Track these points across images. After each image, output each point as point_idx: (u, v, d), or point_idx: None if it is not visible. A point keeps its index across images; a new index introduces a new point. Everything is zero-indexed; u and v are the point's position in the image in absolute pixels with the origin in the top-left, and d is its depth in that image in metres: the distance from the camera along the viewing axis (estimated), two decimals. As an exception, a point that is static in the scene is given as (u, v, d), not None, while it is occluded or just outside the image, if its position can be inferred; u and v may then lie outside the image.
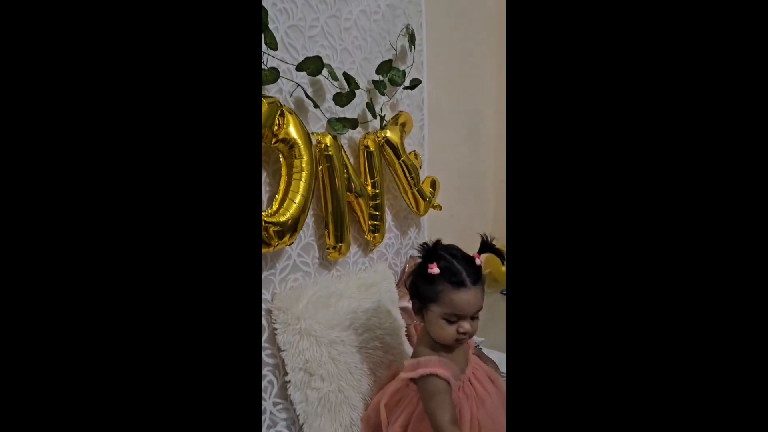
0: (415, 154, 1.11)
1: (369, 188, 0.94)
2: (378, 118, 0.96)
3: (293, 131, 0.71)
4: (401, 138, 1.00)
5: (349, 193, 0.88)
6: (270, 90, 0.73)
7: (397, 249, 1.14)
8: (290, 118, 0.72)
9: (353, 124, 0.85)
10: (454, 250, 0.68)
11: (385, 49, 1.03)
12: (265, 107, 0.67)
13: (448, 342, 0.65)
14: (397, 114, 1.03)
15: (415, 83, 1.03)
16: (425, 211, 1.11)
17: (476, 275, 0.65)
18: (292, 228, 0.70)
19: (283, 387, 0.74)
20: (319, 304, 0.77)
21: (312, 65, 0.73)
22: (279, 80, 0.72)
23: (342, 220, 0.85)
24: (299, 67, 0.73)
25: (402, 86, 1.02)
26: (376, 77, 0.96)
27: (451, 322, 0.64)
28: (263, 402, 0.73)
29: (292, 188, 0.71)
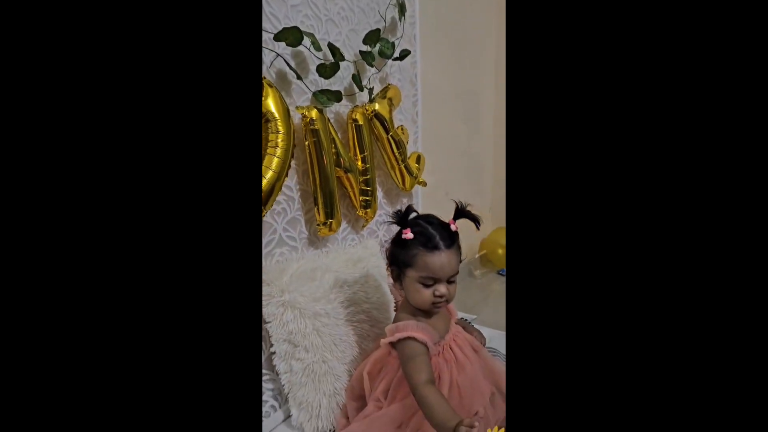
0: (402, 129, 1.09)
1: (359, 163, 0.93)
2: (366, 90, 0.94)
3: (270, 104, 0.70)
4: (390, 112, 0.98)
5: (338, 169, 0.88)
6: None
7: (388, 227, 1.14)
8: (269, 91, 0.71)
9: (337, 96, 0.84)
10: (429, 218, 0.68)
11: (374, 20, 1.01)
12: None
13: (425, 306, 0.65)
14: (386, 87, 1.01)
15: (404, 53, 1.01)
16: (411, 187, 1.11)
17: (451, 239, 0.65)
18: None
19: (269, 358, 0.75)
20: (304, 277, 0.78)
21: (291, 35, 0.71)
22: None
23: (332, 196, 0.84)
24: (277, 37, 0.71)
25: (391, 58, 1.00)
26: (364, 48, 0.94)
27: (427, 286, 0.64)
28: (249, 372, 0.75)
29: (264, 163, 0.70)
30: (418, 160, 1.15)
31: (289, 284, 0.75)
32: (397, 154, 1.01)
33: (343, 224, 0.98)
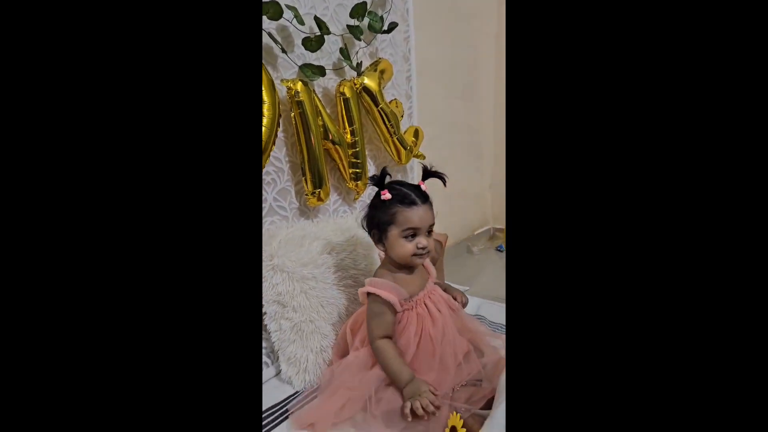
0: (396, 103, 1.12)
1: (348, 136, 0.96)
2: (354, 64, 0.96)
3: None
4: (379, 85, 1.00)
5: (326, 141, 0.91)
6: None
7: (382, 200, 1.17)
8: (254, 62, 0.74)
9: (321, 71, 0.87)
10: (400, 182, 0.75)
11: (362, -7, 1.02)
12: None
13: (408, 259, 0.70)
14: (377, 61, 1.03)
15: (392, 26, 1.02)
16: (407, 161, 1.13)
17: (423, 196, 0.71)
18: None
19: (267, 318, 0.81)
20: (292, 243, 0.82)
21: (271, 9, 0.74)
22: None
23: (318, 166, 0.88)
24: (259, 10, 0.74)
25: (380, 31, 1.02)
26: (352, 22, 0.96)
27: (408, 239, 0.69)
28: (243, 331, 0.80)
29: None
30: (416, 134, 1.17)
31: (278, 249, 0.80)
32: (388, 126, 1.04)
33: (335, 196, 1.02)
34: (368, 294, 0.71)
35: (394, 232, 0.70)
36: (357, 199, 1.07)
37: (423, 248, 0.70)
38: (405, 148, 1.08)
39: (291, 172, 0.91)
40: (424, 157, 1.20)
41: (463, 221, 1.85)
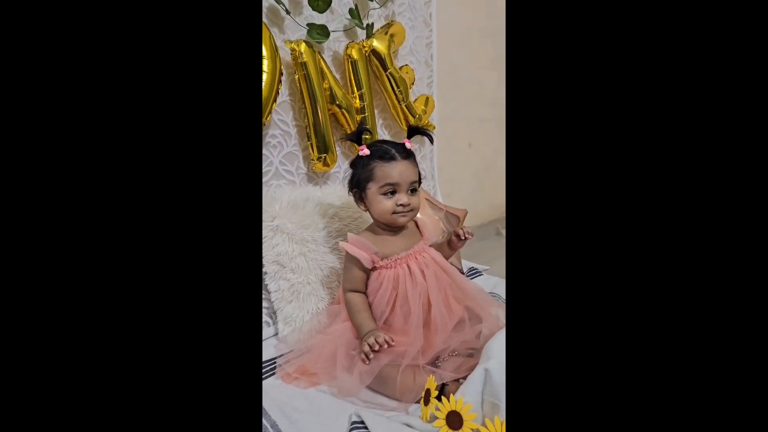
0: (407, 69, 1.09)
1: (356, 101, 0.95)
2: (364, 26, 0.95)
3: None
4: (389, 49, 0.98)
5: (332, 105, 0.91)
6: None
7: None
8: (255, 20, 0.75)
9: (326, 31, 0.86)
10: (383, 140, 0.73)
11: (375, -47, 1.00)
12: None
13: (387, 216, 0.69)
14: (388, 23, 1.01)
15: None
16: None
17: (406, 152, 0.69)
18: None
19: (263, 280, 0.83)
20: (294, 206, 0.83)
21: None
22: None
23: (323, 131, 0.88)
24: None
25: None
26: (361, -16, 0.94)
27: (388, 196, 0.68)
28: (245, 290, 0.83)
29: None
30: (426, 102, 1.14)
31: (279, 211, 0.82)
32: (396, 92, 1.02)
33: (345, 163, 1.02)
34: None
35: (372, 189, 0.68)
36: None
37: (403, 205, 0.67)
38: (413, 116, 1.06)
39: (299, 137, 0.92)
40: (433, 128, 1.16)
41: (491, 201, 1.79)
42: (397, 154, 0.68)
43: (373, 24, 0.97)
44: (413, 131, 0.72)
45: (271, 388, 0.67)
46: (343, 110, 0.93)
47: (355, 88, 0.95)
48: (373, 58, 0.96)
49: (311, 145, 0.90)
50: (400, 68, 1.07)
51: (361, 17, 0.94)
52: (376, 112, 1.05)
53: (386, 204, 0.68)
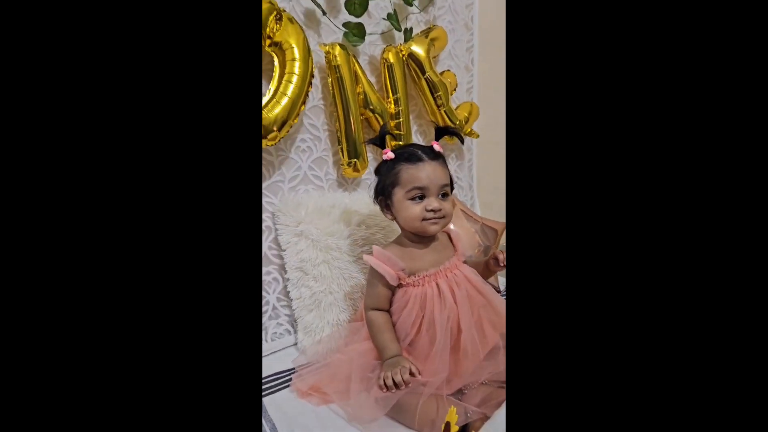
0: (448, 74, 1.05)
1: (391, 106, 0.93)
2: (402, 31, 0.92)
3: (288, 35, 0.74)
4: (428, 53, 0.95)
5: (365, 110, 0.89)
6: (275, -2, 0.76)
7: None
8: (287, 23, 0.75)
9: (362, 32, 0.84)
10: (410, 143, 0.72)
11: (417, -45, 0.97)
12: (263, 8, 0.70)
13: (417, 224, 0.63)
14: (429, 28, 0.98)
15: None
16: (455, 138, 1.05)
17: (433, 153, 0.64)
18: (277, 125, 0.74)
19: (286, 287, 0.82)
20: (320, 211, 0.82)
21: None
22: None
23: (354, 135, 0.86)
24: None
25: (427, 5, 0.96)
26: (404, -14, 0.92)
27: (416, 201, 0.63)
28: (268, 296, 0.82)
29: (281, 90, 0.75)
30: (470, 110, 1.09)
31: (305, 216, 0.80)
32: (435, 97, 0.98)
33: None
34: None
35: (399, 195, 0.64)
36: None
37: (434, 210, 0.62)
38: (454, 123, 1.01)
39: (329, 142, 0.91)
40: (477, 136, 1.11)
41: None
42: (424, 155, 0.63)
43: (411, 28, 0.95)
44: (441, 132, 0.68)
45: (283, 401, 0.65)
46: (377, 115, 0.90)
47: (390, 93, 0.93)
48: (410, 61, 0.94)
49: (342, 149, 0.88)
50: (441, 73, 1.03)
51: (400, 21, 0.92)
52: (411, 117, 1.02)
53: (414, 210, 0.63)
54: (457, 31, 1.11)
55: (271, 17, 0.72)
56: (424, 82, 0.96)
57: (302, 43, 0.76)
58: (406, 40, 0.93)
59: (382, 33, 0.94)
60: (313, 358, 0.71)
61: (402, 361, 0.59)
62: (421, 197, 0.63)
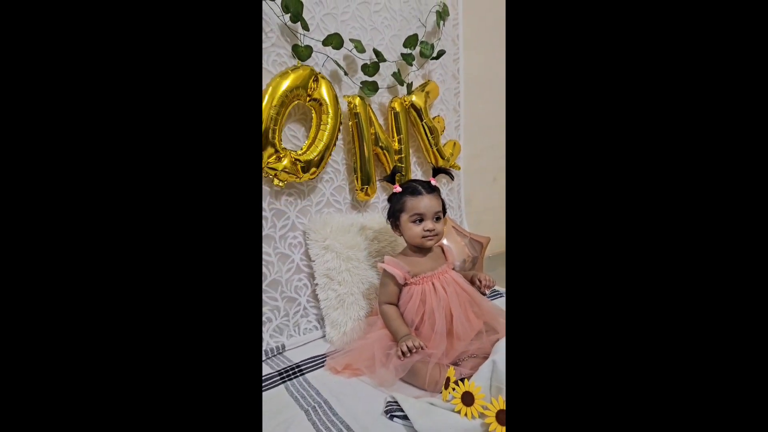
0: (439, 119, 1.32)
1: (396, 144, 1.19)
2: (405, 85, 1.19)
3: (323, 93, 1.00)
4: (425, 103, 1.22)
5: (376, 147, 1.14)
6: (308, 62, 1.02)
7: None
8: (323, 83, 1.00)
9: (375, 87, 1.11)
10: (413, 179, 0.97)
11: (415, 26, 1.25)
12: (303, 72, 0.96)
13: (417, 240, 0.90)
14: (425, 83, 1.26)
15: (440, 53, 1.24)
16: (448, 168, 1.32)
17: (430, 188, 0.92)
18: (315, 164, 1.00)
19: (314, 290, 1.04)
20: (342, 229, 1.05)
21: (334, 40, 1.00)
22: (314, 55, 1.00)
23: (367, 167, 1.11)
24: (324, 43, 1.00)
25: (430, 57, 1.24)
26: (405, 51, 1.20)
27: (417, 223, 0.90)
28: (300, 298, 1.04)
29: (318, 137, 1.00)
30: (454, 147, 1.37)
31: (329, 234, 1.03)
32: (430, 138, 1.25)
33: (383, 194, 1.24)
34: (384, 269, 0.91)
35: (404, 218, 0.91)
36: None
37: (429, 230, 0.89)
38: (443, 158, 1.28)
39: (346, 173, 1.15)
40: (458, 168, 1.38)
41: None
42: (423, 190, 0.90)
43: (412, 83, 1.22)
44: (437, 171, 0.96)
45: (322, 377, 0.86)
46: (384, 150, 1.16)
47: (395, 133, 1.19)
48: (412, 110, 1.20)
49: (357, 177, 1.13)
50: (434, 118, 1.30)
51: (402, 77, 1.19)
52: (411, 152, 1.28)
53: (416, 230, 0.90)
54: (446, 81, 1.39)
55: (311, 80, 0.97)
56: (421, 127, 1.23)
57: (332, 99, 1.01)
58: (408, 93, 1.20)
59: (389, 87, 1.20)
60: (340, 346, 0.94)
61: (412, 337, 0.83)
62: (421, 220, 0.90)
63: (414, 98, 1.20)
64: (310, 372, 0.89)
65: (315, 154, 0.99)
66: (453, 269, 0.95)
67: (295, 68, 0.96)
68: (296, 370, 0.89)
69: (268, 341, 0.98)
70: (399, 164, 1.19)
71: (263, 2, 0.92)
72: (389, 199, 0.96)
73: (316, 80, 0.99)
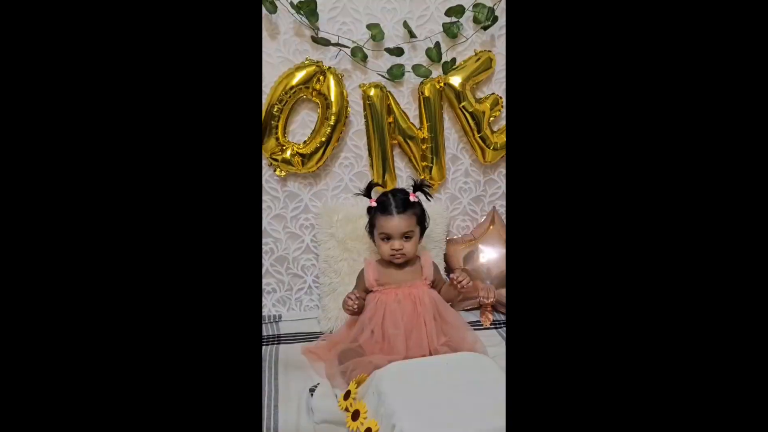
0: (497, 99, 1.12)
1: (425, 131, 1.09)
2: (442, 62, 1.06)
3: (329, 88, 1.00)
4: (467, 81, 1.06)
5: (398, 136, 1.08)
6: (327, 52, 1.02)
7: (477, 195, 1.22)
8: (330, 78, 1.00)
9: (400, 72, 1.03)
10: (396, 190, 0.94)
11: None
12: (309, 69, 0.98)
13: (386, 256, 0.94)
14: (472, 56, 1.08)
15: (494, 19, 1.03)
16: (493, 159, 1.15)
17: (403, 206, 0.89)
18: (310, 158, 1.04)
19: (318, 275, 1.13)
20: (348, 219, 1.08)
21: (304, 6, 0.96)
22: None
23: (384, 156, 1.08)
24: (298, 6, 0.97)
25: (482, 25, 1.05)
26: (448, 20, 1.04)
27: (386, 241, 0.91)
28: (306, 277, 1.15)
29: (319, 132, 1.02)
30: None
31: (337, 222, 1.08)
32: (471, 124, 1.10)
33: (402, 185, 1.16)
34: None
35: (376, 233, 0.92)
36: (436, 189, 1.17)
37: (396, 250, 0.89)
38: (488, 147, 1.11)
39: (369, 159, 1.14)
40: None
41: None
42: (393, 209, 0.89)
43: (455, 59, 1.07)
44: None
45: (290, 351, 0.99)
46: (408, 140, 1.09)
47: (425, 120, 1.09)
48: (449, 91, 1.07)
49: (372, 166, 1.11)
50: (486, 97, 1.12)
51: (441, 54, 1.05)
52: (457, 138, 1.16)
53: (384, 247, 0.92)
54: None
55: (315, 77, 0.99)
56: (459, 111, 1.09)
57: (338, 94, 1.01)
58: (445, 72, 1.07)
59: (419, 71, 1.07)
60: (326, 330, 1.04)
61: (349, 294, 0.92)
62: (389, 239, 0.89)
63: (450, 79, 1.06)
64: (286, 344, 1.01)
65: (311, 147, 1.03)
66: (432, 282, 0.93)
67: (299, 66, 1.00)
68: (275, 339, 1.02)
69: (270, 308, 1.13)
70: (429, 154, 1.11)
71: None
72: (367, 211, 0.97)
73: (323, 74, 0.99)
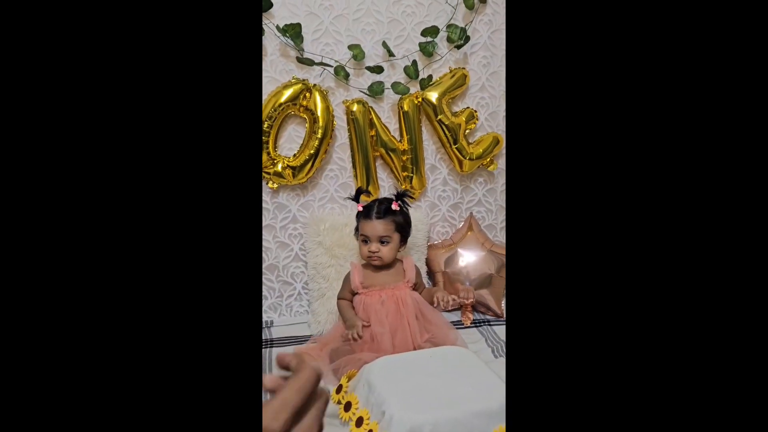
0: (471, 113, 1.23)
1: (405, 144, 1.19)
2: (419, 79, 1.16)
3: (315, 104, 1.09)
4: (443, 97, 1.17)
5: (380, 148, 1.18)
6: (312, 71, 1.11)
7: (455, 202, 1.33)
8: (316, 95, 1.09)
9: (380, 88, 1.13)
10: (384, 199, 1.05)
11: (439, 12, 1.17)
12: (296, 87, 1.07)
13: (364, 257, 1.04)
14: (447, 73, 1.19)
15: (466, 39, 1.15)
16: (470, 169, 1.25)
17: (384, 212, 0.99)
18: (300, 170, 1.13)
19: (308, 281, 1.20)
20: (336, 228, 1.16)
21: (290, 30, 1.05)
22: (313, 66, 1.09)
23: (368, 168, 1.17)
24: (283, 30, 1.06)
25: (455, 44, 1.16)
26: (424, 40, 1.15)
27: (365, 243, 1.01)
28: (296, 284, 1.22)
29: (308, 145, 1.11)
30: (496, 143, 1.25)
31: (324, 230, 1.16)
32: (448, 136, 1.20)
33: (385, 195, 1.26)
34: None
35: (358, 234, 1.02)
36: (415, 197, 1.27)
37: (373, 252, 0.99)
38: (464, 157, 1.21)
39: (353, 171, 1.23)
40: (495, 167, 1.27)
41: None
42: (374, 214, 0.99)
43: (431, 76, 1.17)
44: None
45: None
46: (389, 152, 1.18)
47: (405, 133, 1.19)
48: (426, 106, 1.17)
49: (356, 178, 1.20)
50: (462, 111, 1.23)
51: (418, 71, 1.16)
52: (435, 149, 1.26)
53: (363, 249, 1.01)
54: (478, 70, 1.24)
55: (302, 94, 1.07)
56: (436, 124, 1.19)
57: (324, 110, 1.10)
58: (422, 88, 1.17)
59: (397, 86, 1.17)
60: (316, 333, 1.10)
61: (356, 321, 0.96)
62: (366, 241, 0.99)
63: (427, 94, 1.16)
64: (276, 347, 1.08)
65: (301, 159, 1.12)
66: (415, 285, 1.04)
67: (286, 85, 1.09)
68: (268, 343, 1.09)
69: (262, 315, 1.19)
70: (409, 164, 1.20)
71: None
72: (356, 216, 1.06)
73: (309, 91, 1.08)
